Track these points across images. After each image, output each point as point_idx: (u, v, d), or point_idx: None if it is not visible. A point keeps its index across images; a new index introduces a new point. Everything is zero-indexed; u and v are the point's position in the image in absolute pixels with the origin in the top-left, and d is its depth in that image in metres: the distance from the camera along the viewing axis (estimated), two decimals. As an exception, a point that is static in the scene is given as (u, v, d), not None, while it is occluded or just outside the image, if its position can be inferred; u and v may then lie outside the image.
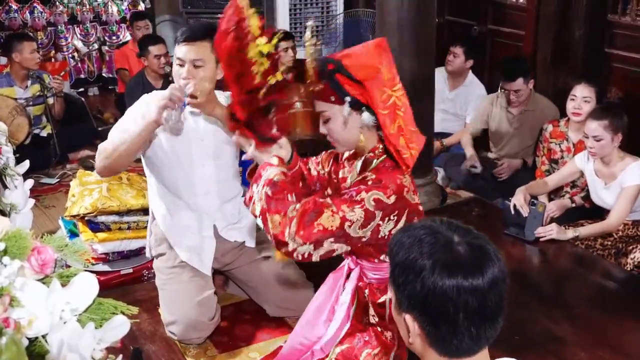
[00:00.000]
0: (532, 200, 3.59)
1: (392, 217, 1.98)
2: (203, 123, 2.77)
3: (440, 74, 4.77)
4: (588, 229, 3.50)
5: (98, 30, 7.04)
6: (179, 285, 2.84)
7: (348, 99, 1.99)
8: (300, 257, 1.95)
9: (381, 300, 2.18)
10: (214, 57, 2.55)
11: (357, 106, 2.01)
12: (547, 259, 3.47)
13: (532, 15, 5.04)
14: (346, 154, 2.27)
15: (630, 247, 3.43)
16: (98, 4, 7.03)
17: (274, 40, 1.96)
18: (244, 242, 2.98)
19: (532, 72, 4.47)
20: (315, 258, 1.95)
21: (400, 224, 2.00)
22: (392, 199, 1.98)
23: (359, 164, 2.13)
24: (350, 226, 1.93)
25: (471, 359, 1.27)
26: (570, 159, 3.82)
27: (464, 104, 4.98)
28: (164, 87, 5.16)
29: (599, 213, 3.65)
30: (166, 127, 2.57)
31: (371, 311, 2.22)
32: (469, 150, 4.57)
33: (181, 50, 2.58)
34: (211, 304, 2.83)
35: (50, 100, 5.06)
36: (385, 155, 2.08)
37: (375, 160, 2.08)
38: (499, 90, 4.51)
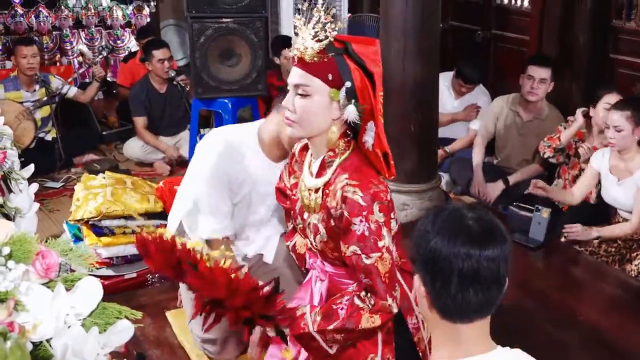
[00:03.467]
0: (537, 206, 3.59)
1: (392, 217, 1.90)
2: None
3: (443, 80, 4.76)
4: (609, 230, 3.48)
5: (103, 35, 7.07)
6: None
7: (349, 84, 1.83)
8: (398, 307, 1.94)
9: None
10: None
11: (349, 95, 1.84)
12: (551, 265, 3.46)
13: (536, 21, 5.05)
14: (296, 151, 2.16)
15: (635, 254, 3.42)
16: (103, 9, 7.06)
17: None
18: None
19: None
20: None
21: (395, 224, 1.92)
22: (388, 196, 1.89)
23: (315, 165, 2.00)
24: (391, 247, 1.89)
25: (472, 324, 1.35)
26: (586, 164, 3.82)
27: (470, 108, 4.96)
28: (168, 92, 5.22)
29: (608, 214, 3.63)
30: None
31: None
32: (477, 158, 4.49)
33: None
34: None
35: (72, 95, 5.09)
36: (347, 153, 1.93)
37: (336, 160, 1.93)
38: (525, 76, 4.33)
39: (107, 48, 7.03)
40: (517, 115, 4.47)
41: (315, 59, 1.83)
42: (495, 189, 4.37)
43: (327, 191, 1.95)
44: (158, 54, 5.09)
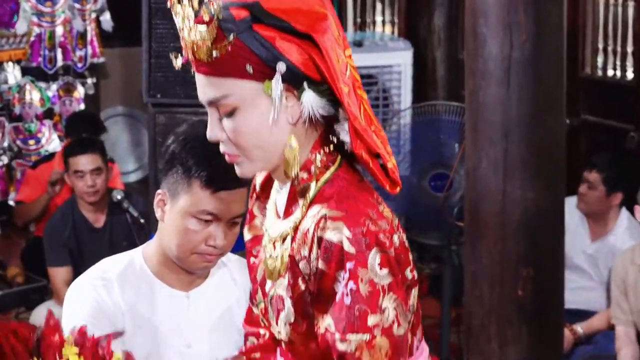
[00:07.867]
0: None
1: (408, 278, 1.89)
2: None
3: (574, 209, 4.79)
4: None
5: (6, 130, 7.21)
6: None
7: (282, 66, 1.81)
8: None
9: None
10: None
11: (295, 80, 1.85)
12: None
13: None
14: (257, 184, 2.17)
15: None
16: (9, 88, 7.21)
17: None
18: None
19: None
20: None
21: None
22: (396, 240, 1.86)
23: (282, 198, 1.99)
24: (396, 328, 1.83)
25: None
26: None
27: (610, 264, 4.98)
28: (108, 226, 5.25)
29: None
30: None
31: None
32: None
33: None
34: None
35: None
36: (331, 171, 1.91)
37: (312, 185, 1.91)
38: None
39: (11, 152, 7.16)
40: None
41: (216, 52, 1.83)
42: None
43: (296, 236, 1.91)
44: (75, 162, 5.14)
